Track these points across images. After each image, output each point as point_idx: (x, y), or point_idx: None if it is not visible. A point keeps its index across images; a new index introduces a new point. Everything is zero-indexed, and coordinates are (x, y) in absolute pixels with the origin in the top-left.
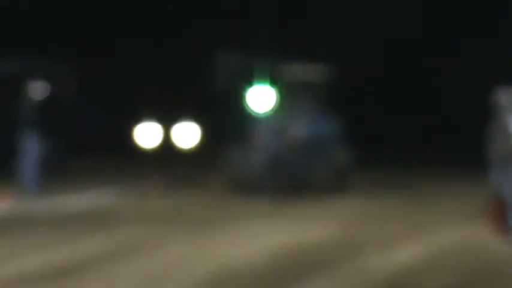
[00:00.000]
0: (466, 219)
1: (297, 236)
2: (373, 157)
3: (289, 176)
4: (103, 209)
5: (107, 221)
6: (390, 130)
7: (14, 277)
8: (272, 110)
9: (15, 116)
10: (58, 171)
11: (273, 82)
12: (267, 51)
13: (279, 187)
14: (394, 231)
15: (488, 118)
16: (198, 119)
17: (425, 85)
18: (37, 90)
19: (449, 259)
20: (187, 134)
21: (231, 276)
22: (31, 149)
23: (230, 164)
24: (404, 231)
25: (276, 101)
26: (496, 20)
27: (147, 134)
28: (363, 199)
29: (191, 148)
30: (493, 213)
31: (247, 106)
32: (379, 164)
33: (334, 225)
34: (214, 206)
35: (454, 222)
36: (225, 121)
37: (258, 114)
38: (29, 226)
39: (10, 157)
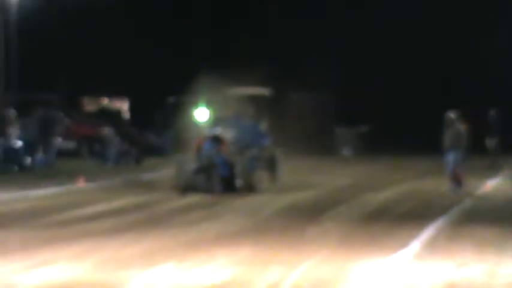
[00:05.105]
0: (424, 177)
1: (328, 185)
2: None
3: (220, 175)
4: None
5: None
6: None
7: (183, 206)
8: (210, 121)
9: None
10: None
11: (211, 103)
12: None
13: (211, 187)
14: (383, 182)
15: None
16: None
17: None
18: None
19: (412, 196)
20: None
21: (294, 207)
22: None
23: (176, 167)
24: (388, 182)
25: (213, 116)
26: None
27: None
28: (364, 166)
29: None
30: (448, 176)
31: (195, 120)
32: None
33: (349, 179)
34: (292, 170)
35: (418, 178)
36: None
37: (201, 125)
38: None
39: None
